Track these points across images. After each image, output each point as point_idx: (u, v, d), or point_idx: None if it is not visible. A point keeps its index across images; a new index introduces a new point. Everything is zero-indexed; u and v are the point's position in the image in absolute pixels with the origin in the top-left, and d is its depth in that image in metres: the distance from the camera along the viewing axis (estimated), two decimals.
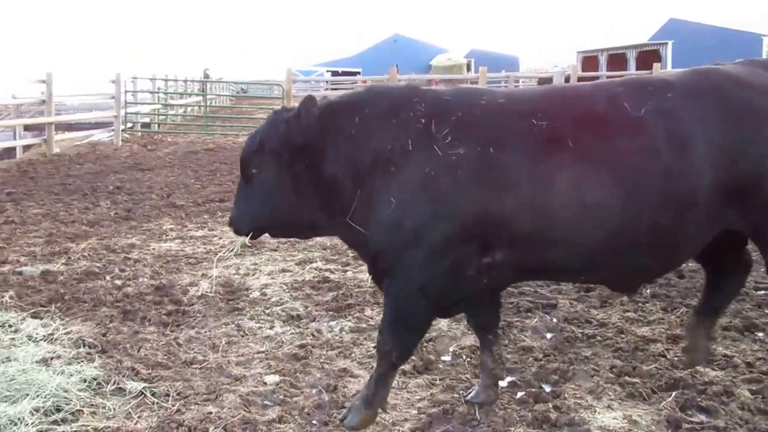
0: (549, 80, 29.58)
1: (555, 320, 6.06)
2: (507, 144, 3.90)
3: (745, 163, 3.91)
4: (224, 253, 6.90)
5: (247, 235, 4.52)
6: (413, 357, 5.24)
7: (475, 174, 3.86)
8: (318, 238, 8.34)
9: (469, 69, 45.80)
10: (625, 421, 4.35)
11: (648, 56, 31.29)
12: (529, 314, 6.17)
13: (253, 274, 7.57)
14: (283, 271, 7.67)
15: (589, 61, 35.95)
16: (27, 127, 21.46)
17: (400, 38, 63.17)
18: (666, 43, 32.51)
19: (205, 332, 5.92)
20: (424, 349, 5.42)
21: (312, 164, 4.23)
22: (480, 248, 3.92)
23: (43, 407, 4.49)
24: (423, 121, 4.01)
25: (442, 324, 5.89)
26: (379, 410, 4.32)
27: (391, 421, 4.40)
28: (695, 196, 3.87)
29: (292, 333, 5.87)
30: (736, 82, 4.06)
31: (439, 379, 4.96)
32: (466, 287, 4.06)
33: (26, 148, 20.22)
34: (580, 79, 26.83)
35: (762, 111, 3.96)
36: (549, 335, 5.76)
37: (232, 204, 4.83)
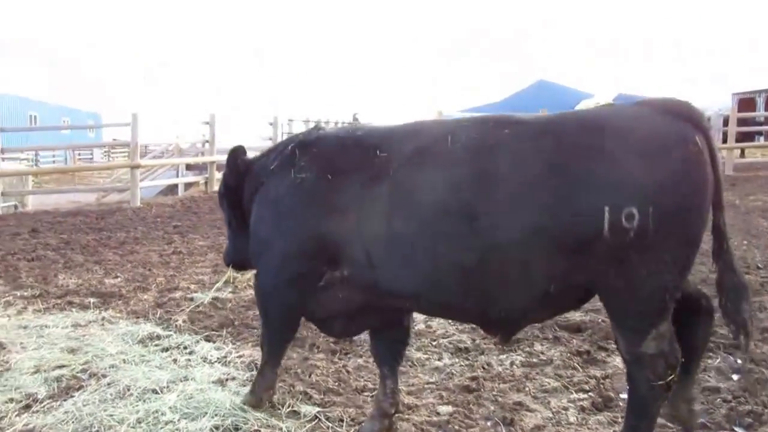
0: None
1: (740, 361, 5.68)
2: (347, 171, 4.08)
3: (576, 209, 3.43)
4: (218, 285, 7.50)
5: (228, 266, 5.38)
6: (591, 394, 5.06)
7: (312, 196, 4.17)
8: None
9: None
10: None
11: None
12: (711, 354, 5.81)
13: None
14: None
15: (746, 103, 34.37)
16: (188, 166, 22.56)
17: (544, 84, 62.76)
18: None
19: (373, 361, 5.88)
20: (602, 385, 5.20)
21: (241, 202, 4.88)
22: (327, 262, 4.15)
23: (222, 425, 4.56)
24: (291, 150, 4.43)
25: (617, 361, 5.64)
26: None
27: None
28: (509, 240, 3.51)
29: (461, 365, 5.76)
30: (580, 125, 3.66)
31: (621, 417, 4.70)
32: (327, 299, 4.29)
33: (187, 185, 21.22)
34: (739, 120, 25.64)
35: (599, 155, 3.47)
36: (736, 377, 5.40)
37: None
